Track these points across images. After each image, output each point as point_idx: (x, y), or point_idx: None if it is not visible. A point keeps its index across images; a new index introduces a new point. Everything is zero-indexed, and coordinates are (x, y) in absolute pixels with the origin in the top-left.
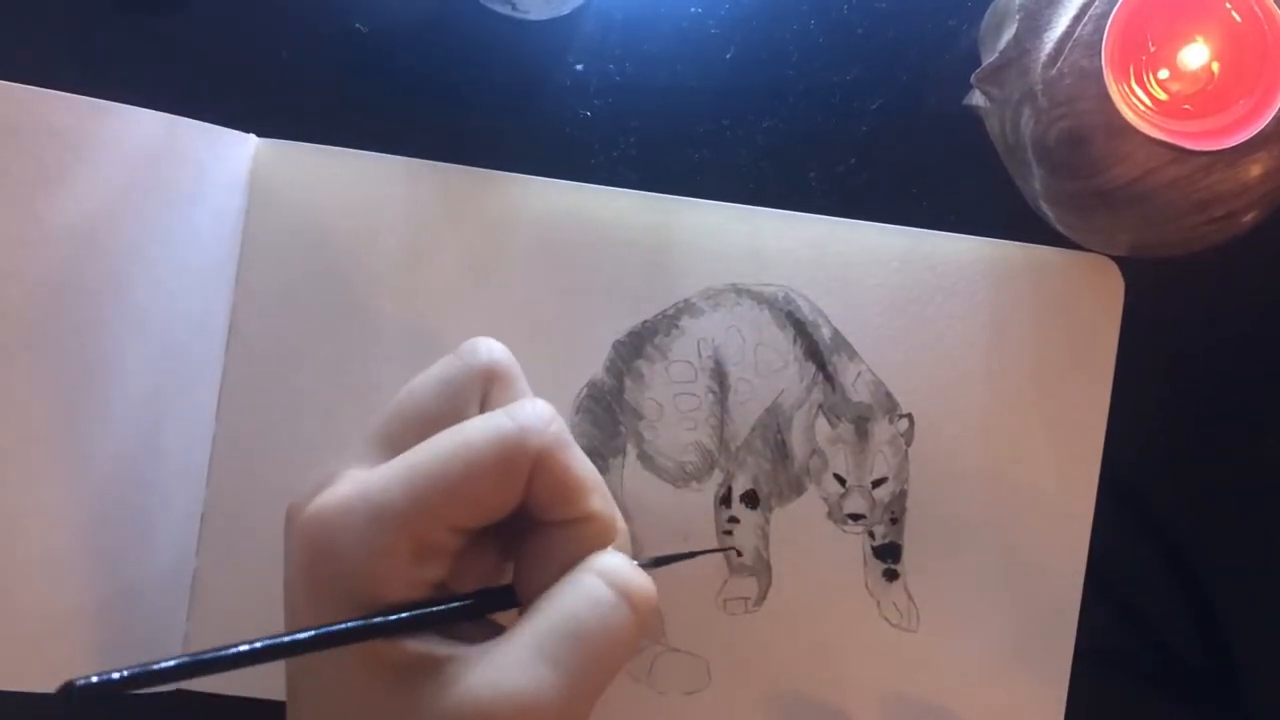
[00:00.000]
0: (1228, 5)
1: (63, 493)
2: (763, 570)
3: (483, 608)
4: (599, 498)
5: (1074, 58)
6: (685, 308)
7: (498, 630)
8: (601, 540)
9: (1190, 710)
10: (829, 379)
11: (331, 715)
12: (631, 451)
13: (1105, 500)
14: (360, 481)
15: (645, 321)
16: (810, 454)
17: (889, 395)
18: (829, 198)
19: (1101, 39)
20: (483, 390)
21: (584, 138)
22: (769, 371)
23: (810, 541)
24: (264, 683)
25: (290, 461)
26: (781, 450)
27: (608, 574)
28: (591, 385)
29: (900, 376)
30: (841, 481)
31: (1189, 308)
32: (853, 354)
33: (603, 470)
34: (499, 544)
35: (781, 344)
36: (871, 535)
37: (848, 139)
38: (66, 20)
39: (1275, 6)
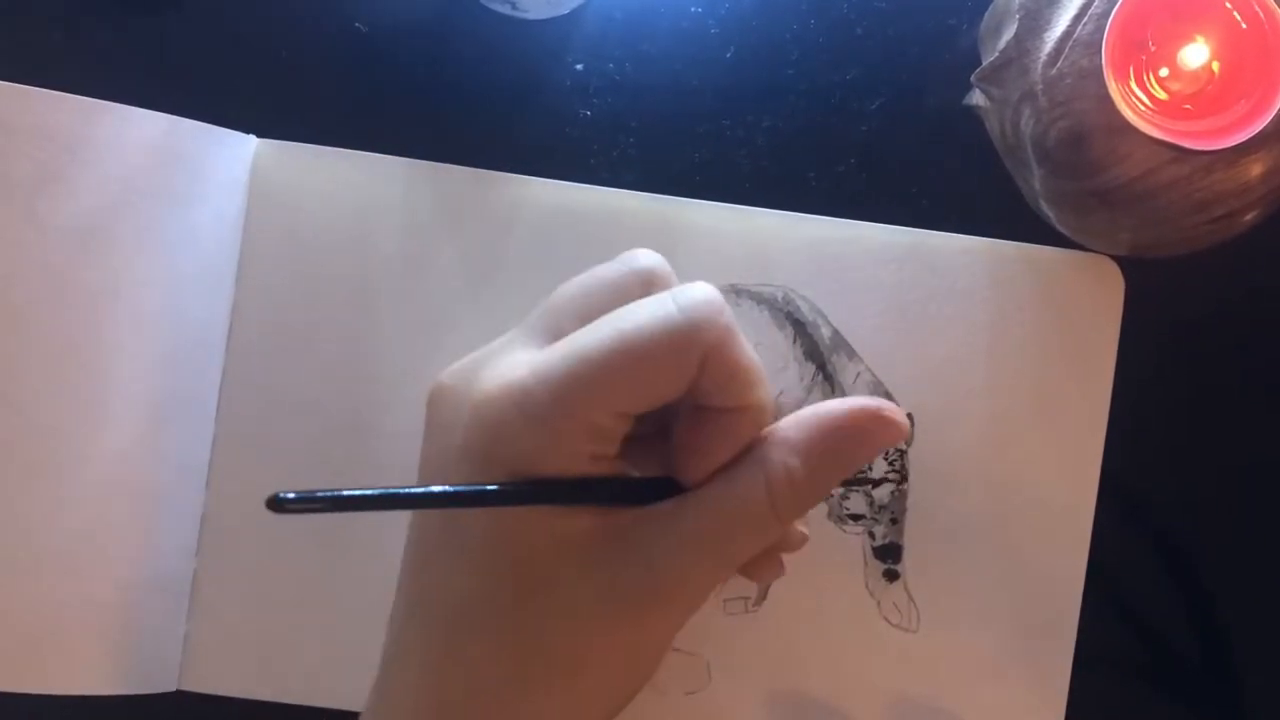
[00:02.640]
0: (1228, 5)
1: (63, 493)
2: None
3: (652, 494)
4: (763, 387)
5: (1074, 57)
6: None
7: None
8: (756, 429)
9: (1190, 710)
10: (829, 379)
11: (507, 586)
12: None
13: (1105, 500)
14: (532, 365)
15: None
16: None
17: (889, 395)
18: (829, 198)
19: (1101, 38)
20: (642, 291)
21: (584, 137)
22: (768, 372)
23: (810, 542)
24: (265, 685)
25: (290, 461)
26: None
27: (774, 484)
28: None
29: (900, 376)
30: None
31: (1189, 308)
32: (852, 354)
33: None
34: (662, 422)
35: (781, 344)
36: (871, 535)
37: (848, 139)
38: (66, 20)
39: (1275, 6)
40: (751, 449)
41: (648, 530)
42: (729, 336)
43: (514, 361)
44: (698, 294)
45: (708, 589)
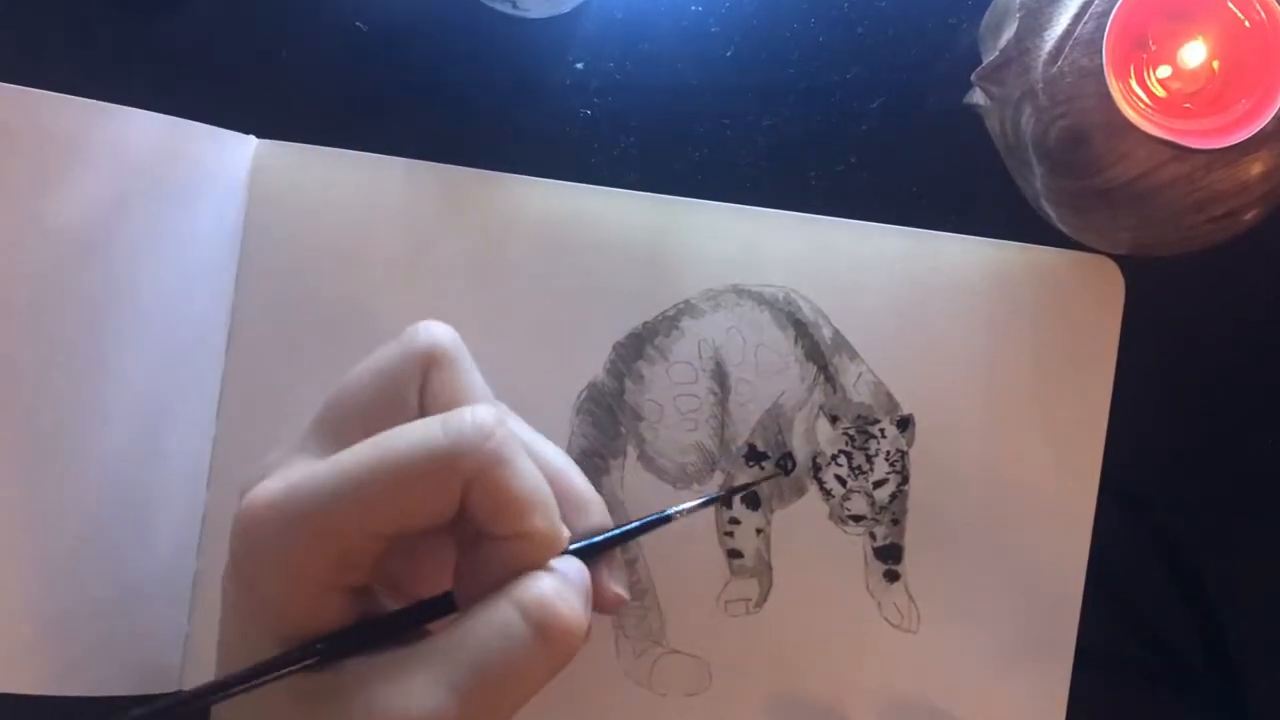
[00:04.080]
0: (1229, 3)
1: (64, 494)
2: (764, 572)
3: (420, 618)
4: (539, 515)
5: (1074, 56)
6: (686, 309)
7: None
8: (538, 558)
9: (1190, 710)
10: (830, 380)
11: None
12: (632, 453)
13: (1105, 500)
14: (290, 481)
15: (645, 323)
16: (812, 455)
17: (890, 396)
18: (829, 197)
19: (1102, 37)
20: (422, 375)
21: (584, 136)
22: (770, 372)
23: (811, 543)
24: None
25: None
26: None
27: (527, 607)
28: (592, 387)
29: (901, 377)
30: (842, 483)
31: (1189, 308)
32: (853, 355)
33: (603, 471)
34: (435, 547)
35: (782, 345)
36: (872, 536)
37: (848, 138)
38: (66, 21)
39: (1276, 5)
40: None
41: (375, 672)
42: (497, 465)
43: (280, 473)
44: (466, 419)
45: None
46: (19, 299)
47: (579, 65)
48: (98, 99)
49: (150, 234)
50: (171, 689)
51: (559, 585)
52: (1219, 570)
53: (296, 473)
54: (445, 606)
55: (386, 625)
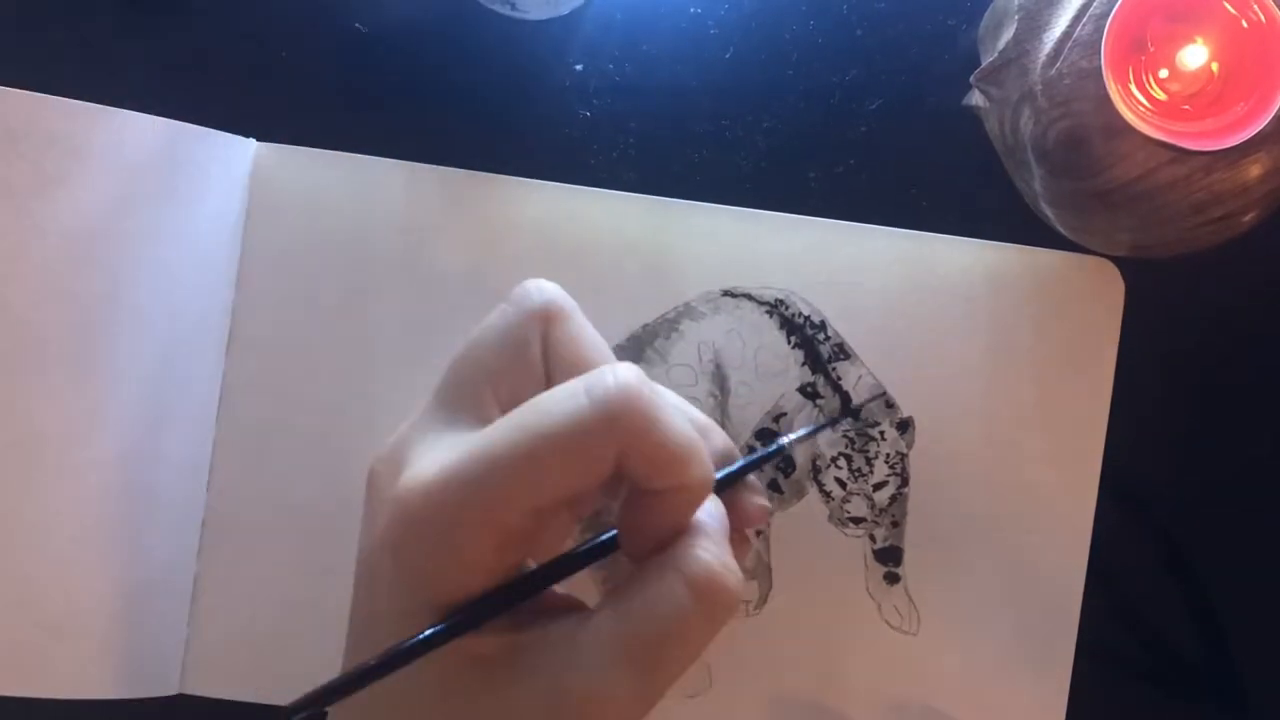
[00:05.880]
0: (1227, 6)
1: (64, 497)
2: (764, 573)
3: (589, 558)
4: (696, 464)
5: (1073, 58)
6: (685, 311)
7: (571, 605)
8: (696, 503)
9: (1190, 710)
10: (830, 383)
11: (403, 710)
12: None
13: (1105, 500)
14: (444, 466)
15: (645, 325)
16: (811, 458)
17: (889, 398)
18: (828, 198)
19: (1101, 39)
20: (541, 331)
21: (583, 138)
22: (769, 375)
23: (811, 545)
24: (266, 688)
25: (291, 466)
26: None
27: (695, 580)
28: None
29: (900, 379)
30: (842, 485)
31: (1189, 308)
32: (853, 357)
33: None
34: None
35: (781, 348)
36: (873, 538)
37: (847, 139)
38: (66, 24)
39: (1275, 7)
40: (670, 547)
41: (552, 648)
42: (649, 423)
43: (427, 454)
44: (610, 382)
45: (635, 707)
46: (19, 300)
47: (578, 67)
48: (98, 102)
49: (150, 237)
50: (172, 692)
51: (721, 555)
52: (1219, 570)
53: (445, 455)
54: (608, 546)
55: (558, 569)
